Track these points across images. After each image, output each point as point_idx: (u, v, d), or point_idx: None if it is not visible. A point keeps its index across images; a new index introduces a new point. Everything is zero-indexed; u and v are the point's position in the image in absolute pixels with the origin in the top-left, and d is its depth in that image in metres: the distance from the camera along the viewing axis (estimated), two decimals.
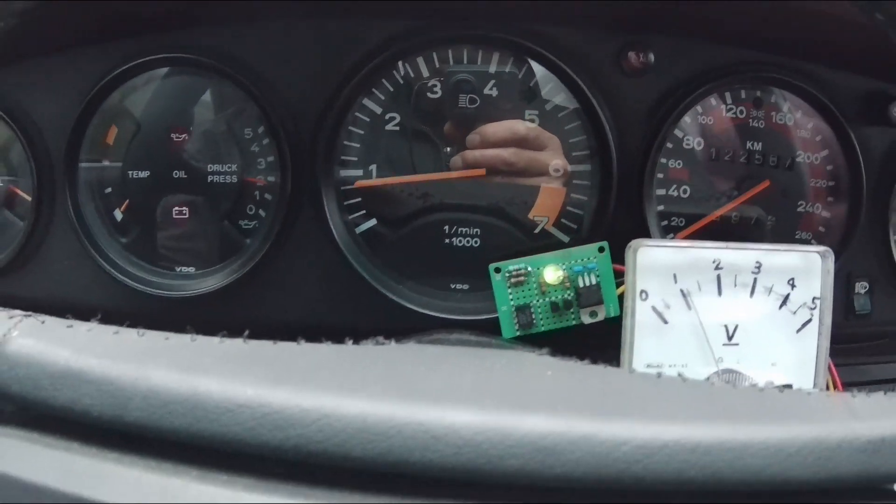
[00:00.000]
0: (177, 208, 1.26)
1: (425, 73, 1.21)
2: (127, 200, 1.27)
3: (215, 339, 0.63)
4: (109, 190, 1.27)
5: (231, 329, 1.16)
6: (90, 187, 1.26)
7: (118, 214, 1.28)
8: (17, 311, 0.61)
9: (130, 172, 1.26)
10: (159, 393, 0.52)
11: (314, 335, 1.19)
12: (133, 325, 1.06)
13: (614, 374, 0.71)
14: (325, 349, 0.66)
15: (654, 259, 1.01)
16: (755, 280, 1.02)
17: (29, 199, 1.27)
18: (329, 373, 0.59)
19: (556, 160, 1.22)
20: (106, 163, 1.27)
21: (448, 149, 1.22)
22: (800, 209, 1.26)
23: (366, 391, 0.53)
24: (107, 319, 1.15)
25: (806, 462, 0.51)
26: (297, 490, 0.51)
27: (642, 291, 1.01)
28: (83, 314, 1.21)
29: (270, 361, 0.60)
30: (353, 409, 0.50)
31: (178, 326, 1.14)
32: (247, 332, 0.64)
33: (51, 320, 0.61)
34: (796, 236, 1.26)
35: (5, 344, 0.56)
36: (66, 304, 1.24)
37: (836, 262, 1.07)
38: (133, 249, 1.29)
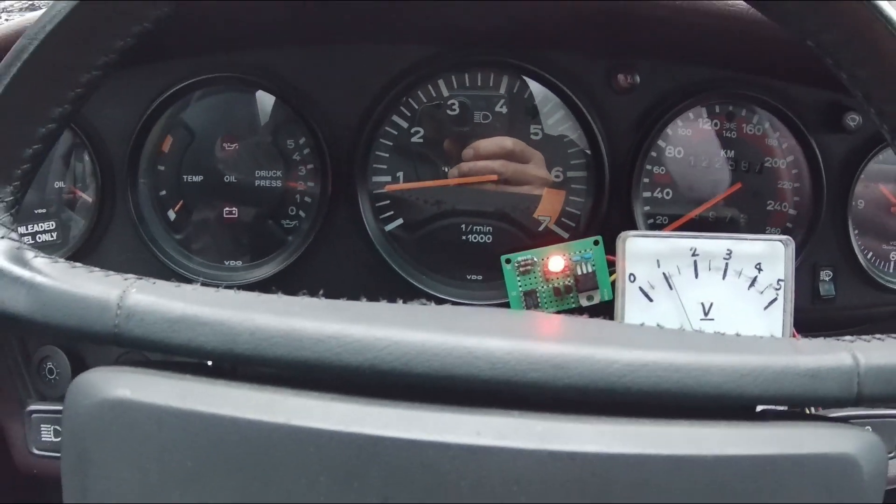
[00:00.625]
0: (227, 209, 1.38)
1: (445, 93, 1.34)
2: (181, 201, 1.39)
3: (297, 297, 0.74)
4: (164, 193, 1.38)
5: None
6: (148, 190, 1.37)
7: (171, 214, 1.39)
8: (130, 275, 0.68)
9: (185, 177, 1.37)
10: (263, 329, 0.62)
11: None
12: None
13: (608, 323, 0.85)
14: (384, 304, 0.77)
15: (640, 247, 1.14)
16: (727, 265, 1.14)
17: (89, 199, 1.39)
18: (391, 315, 0.71)
19: (540, 171, 1.36)
20: (161, 168, 1.37)
21: (446, 168, 1.37)
22: (769, 208, 1.37)
23: (423, 326, 0.64)
24: None
25: (756, 382, 0.62)
26: (373, 399, 0.62)
27: (630, 275, 1.14)
28: None
29: (344, 308, 0.72)
30: (415, 337, 0.62)
31: None
32: (322, 292, 0.77)
33: (160, 281, 0.68)
34: (766, 231, 1.37)
35: (125, 298, 0.64)
36: None
37: (801, 253, 1.24)
38: (186, 245, 1.39)
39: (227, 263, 1.40)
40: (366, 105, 1.33)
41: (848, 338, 0.68)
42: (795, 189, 1.37)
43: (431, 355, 0.63)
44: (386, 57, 1.32)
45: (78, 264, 0.69)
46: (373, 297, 1.26)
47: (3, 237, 0.70)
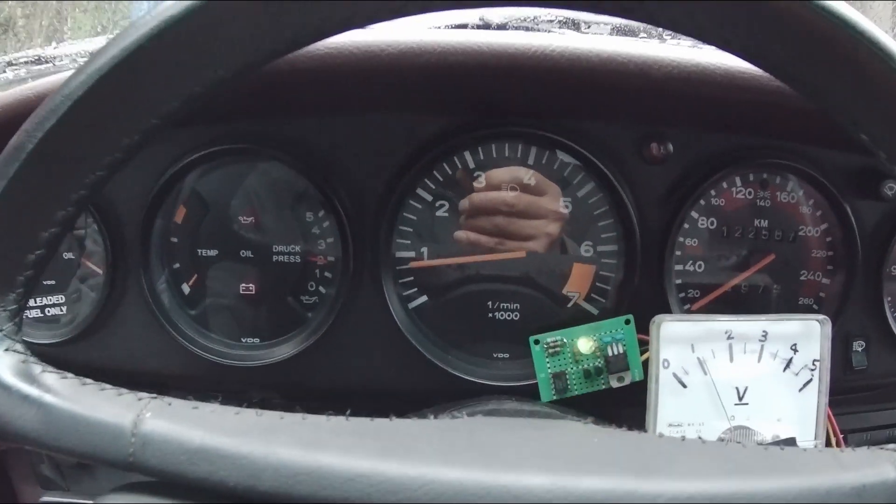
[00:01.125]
0: (244, 284, 1.33)
1: (471, 165, 1.29)
2: (195, 275, 1.33)
3: (322, 418, 0.68)
4: (178, 266, 1.33)
5: (294, 395, 1.22)
6: (160, 263, 1.32)
7: (185, 288, 1.34)
8: (144, 394, 0.63)
9: (200, 251, 1.32)
10: (288, 466, 0.58)
11: (373, 399, 1.26)
12: (204, 389, 1.13)
13: (648, 440, 0.80)
14: (415, 424, 0.72)
15: (674, 332, 1.12)
16: (762, 346, 1.12)
17: (99, 271, 1.33)
18: (425, 445, 0.67)
19: (554, 204, 1.30)
20: (174, 240, 1.32)
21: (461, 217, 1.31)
22: (802, 278, 1.33)
23: (458, 460, 0.61)
24: (179, 385, 1.22)
25: None
26: None
27: (664, 360, 1.12)
28: (154, 380, 1.29)
29: (374, 436, 0.67)
30: (451, 475, 0.59)
31: (243, 393, 1.22)
32: (349, 412, 0.71)
33: (176, 402, 0.64)
34: (799, 302, 1.33)
35: (140, 424, 0.60)
36: (136, 370, 1.34)
37: (834, 323, 1.18)
38: (201, 321, 1.34)
39: (244, 341, 1.35)
40: (389, 177, 1.29)
41: (891, 446, 0.66)
42: (829, 258, 1.33)
43: (469, 495, 0.59)
44: (411, 128, 1.28)
45: (88, 381, 0.66)
46: (395, 378, 1.27)
47: (7, 349, 0.66)
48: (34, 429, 0.63)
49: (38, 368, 0.66)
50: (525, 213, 1.30)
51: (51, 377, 0.66)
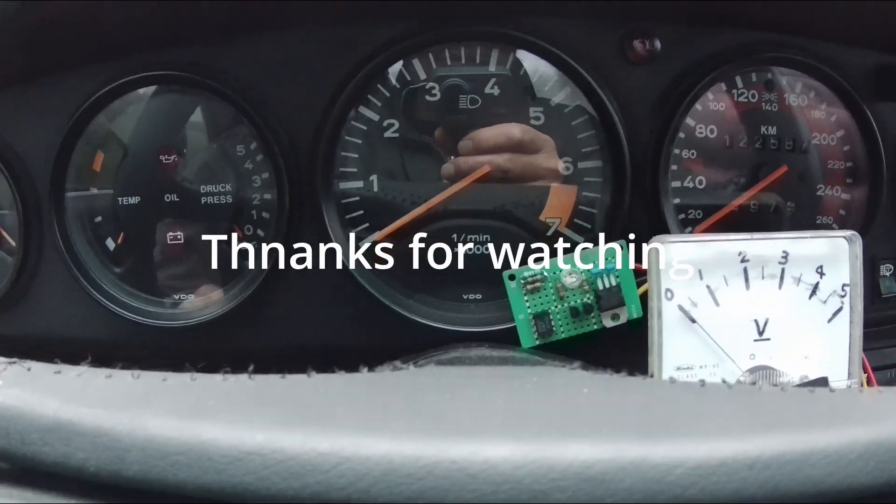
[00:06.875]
0: (171, 234, 1.20)
1: (422, 76, 1.16)
2: (119, 228, 1.21)
3: (218, 377, 0.56)
4: (100, 219, 1.21)
5: (235, 357, 1.08)
6: (79, 217, 1.20)
7: (110, 243, 1.22)
8: (1, 358, 0.56)
9: (120, 199, 1.20)
10: (159, 443, 0.46)
11: (325, 358, 1.12)
12: (135, 358, 1.00)
13: (656, 387, 0.65)
14: (339, 380, 0.59)
15: (677, 256, 0.96)
16: (783, 270, 0.97)
17: (12, 241, 1.22)
18: (346, 409, 0.53)
19: (552, 162, 1.17)
20: (94, 190, 1.20)
21: (452, 157, 1.17)
22: (819, 193, 1.21)
23: (389, 428, 0.47)
24: (107, 354, 1.06)
25: (867, 466, 0.47)
26: None
27: (667, 291, 0.95)
28: (81, 349, 1.15)
29: (280, 400, 0.54)
30: (377, 449, 0.44)
31: (180, 357, 1.06)
32: (251, 367, 0.59)
33: (37, 366, 0.56)
34: (817, 221, 1.21)
35: None
36: (62, 340, 1.21)
37: None
38: (128, 279, 1.22)
39: (178, 297, 1.23)
40: (327, 97, 1.14)
41: None
42: (849, 169, 1.21)
43: (402, 476, 0.44)
44: (348, 38, 1.14)
45: None
46: (349, 331, 1.19)
47: None
48: None
49: None
50: (522, 177, 1.17)
51: None
